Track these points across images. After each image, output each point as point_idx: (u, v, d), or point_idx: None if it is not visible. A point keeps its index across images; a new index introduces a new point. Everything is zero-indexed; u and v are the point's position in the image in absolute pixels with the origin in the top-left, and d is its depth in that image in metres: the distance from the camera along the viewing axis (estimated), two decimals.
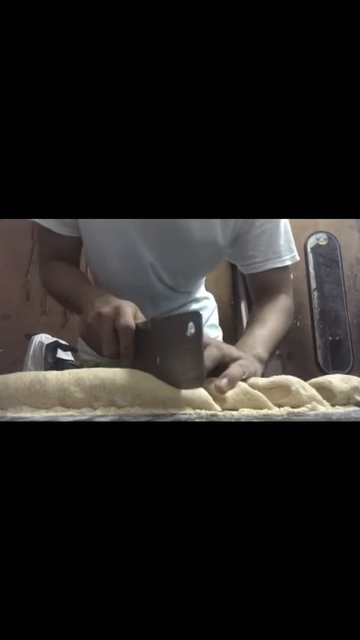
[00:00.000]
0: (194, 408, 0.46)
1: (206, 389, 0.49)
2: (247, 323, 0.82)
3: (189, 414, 0.45)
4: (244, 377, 0.54)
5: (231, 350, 0.57)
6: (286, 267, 0.86)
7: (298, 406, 0.50)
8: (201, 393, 0.47)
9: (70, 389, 0.46)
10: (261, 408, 0.48)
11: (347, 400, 0.54)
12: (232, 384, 0.50)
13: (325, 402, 0.52)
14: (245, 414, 0.46)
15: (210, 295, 1.06)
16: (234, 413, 0.46)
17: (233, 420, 0.41)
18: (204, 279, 1.02)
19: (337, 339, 2.26)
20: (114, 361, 0.57)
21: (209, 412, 0.45)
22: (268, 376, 0.58)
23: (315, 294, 2.38)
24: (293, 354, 2.14)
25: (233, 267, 2.80)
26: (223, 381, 0.49)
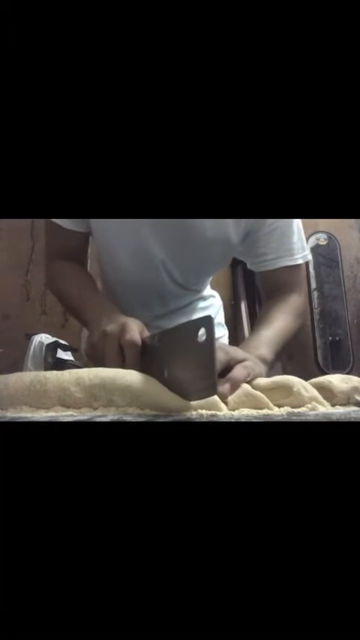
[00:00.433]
0: (199, 409, 0.46)
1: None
2: (256, 322, 0.81)
3: (190, 414, 0.45)
4: (248, 378, 0.54)
5: (236, 352, 0.57)
6: (298, 266, 0.84)
7: (300, 406, 0.50)
8: None
9: (69, 389, 0.46)
10: (262, 409, 0.48)
11: (347, 400, 0.54)
12: (234, 388, 0.50)
13: (325, 402, 0.52)
14: (245, 414, 0.46)
15: (216, 294, 1.06)
16: (234, 413, 0.46)
17: (233, 420, 0.41)
18: (210, 278, 1.02)
19: (337, 339, 2.27)
20: None
21: (210, 412, 0.45)
22: (268, 376, 0.58)
23: (315, 294, 2.38)
24: (293, 354, 2.15)
25: (233, 267, 2.80)
26: (225, 386, 0.49)
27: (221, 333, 1.02)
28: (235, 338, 2.50)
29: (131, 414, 0.44)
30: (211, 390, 0.42)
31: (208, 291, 1.02)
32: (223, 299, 1.10)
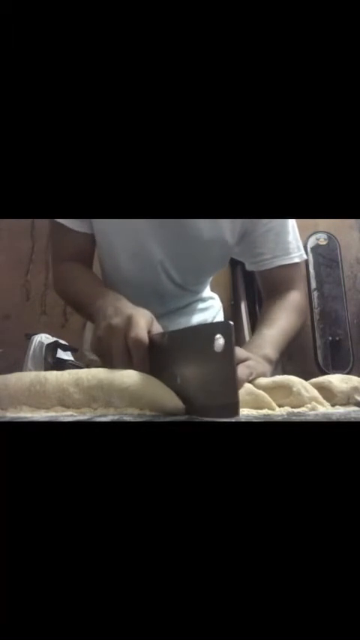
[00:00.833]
0: None
1: None
2: (258, 322, 0.81)
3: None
4: (251, 378, 0.54)
5: (240, 352, 0.57)
6: (295, 264, 0.85)
7: (300, 406, 0.50)
8: None
9: (69, 389, 0.46)
10: (262, 408, 0.48)
11: (347, 400, 0.54)
12: (238, 386, 0.50)
13: (325, 402, 0.52)
14: (245, 414, 0.46)
15: (215, 295, 1.07)
16: None
17: (233, 420, 0.41)
18: (210, 279, 1.02)
19: (337, 339, 2.26)
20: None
21: None
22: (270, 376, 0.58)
23: (315, 294, 2.38)
24: (293, 354, 2.14)
25: (233, 267, 2.80)
26: None
27: None
28: (236, 338, 2.50)
29: (131, 415, 0.44)
30: (234, 411, 0.36)
31: (207, 292, 1.03)
32: (223, 299, 1.10)
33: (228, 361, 0.37)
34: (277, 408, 0.49)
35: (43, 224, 2.43)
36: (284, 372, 0.59)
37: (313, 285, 2.39)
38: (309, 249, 2.42)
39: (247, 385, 0.51)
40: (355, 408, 0.52)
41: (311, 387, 0.52)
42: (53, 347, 2.33)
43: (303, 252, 0.86)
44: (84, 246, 0.83)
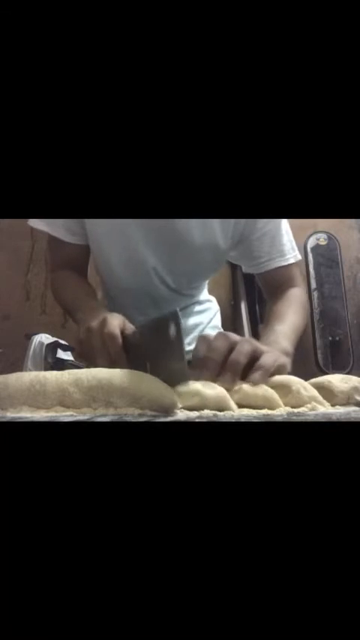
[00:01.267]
0: (211, 408, 0.46)
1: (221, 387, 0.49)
2: (265, 320, 0.83)
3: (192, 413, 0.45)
4: (275, 365, 0.55)
5: (260, 345, 0.58)
6: (291, 265, 0.88)
7: (299, 406, 0.50)
8: (219, 392, 0.48)
9: (69, 389, 0.46)
10: (272, 408, 0.49)
11: (347, 400, 0.54)
12: (265, 375, 0.52)
13: (325, 402, 0.52)
14: (245, 414, 0.46)
15: (212, 298, 1.07)
16: (234, 413, 0.46)
17: (233, 420, 0.41)
18: (206, 282, 1.03)
19: (337, 339, 2.26)
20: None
21: (211, 412, 0.45)
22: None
23: (315, 294, 2.38)
24: (293, 354, 2.14)
25: (233, 267, 2.80)
26: (257, 374, 0.51)
27: None
28: None
29: (131, 414, 0.44)
30: (183, 377, 0.47)
31: (204, 295, 1.03)
32: (223, 299, 1.11)
33: (178, 343, 0.47)
34: (281, 407, 0.49)
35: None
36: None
37: (313, 285, 2.39)
38: (309, 249, 2.42)
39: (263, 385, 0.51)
40: (355, 408, 0.52)
41: (310, 386, 0.52)
42: (53, 347, 2.33)
43: (297, 252, 0.90)
44: (77, 257, 0.89)
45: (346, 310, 2.36)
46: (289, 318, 0.79)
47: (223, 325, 1.08)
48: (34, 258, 2.88)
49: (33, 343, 2.36)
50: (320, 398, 0.51)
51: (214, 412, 0.45)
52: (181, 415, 0.45)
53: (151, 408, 0.46)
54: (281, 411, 0.48)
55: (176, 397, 0.46)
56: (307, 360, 2.21)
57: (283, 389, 0.52)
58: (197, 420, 0.41)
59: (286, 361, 0.63)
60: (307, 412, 0.48)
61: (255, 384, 0.50)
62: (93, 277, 0.94)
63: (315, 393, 0.51)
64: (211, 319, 1.03)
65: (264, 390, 0.50)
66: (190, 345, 0.96)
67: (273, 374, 0.55)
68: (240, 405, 0.49)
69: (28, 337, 2.40)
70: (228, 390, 0.49)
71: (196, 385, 0.48)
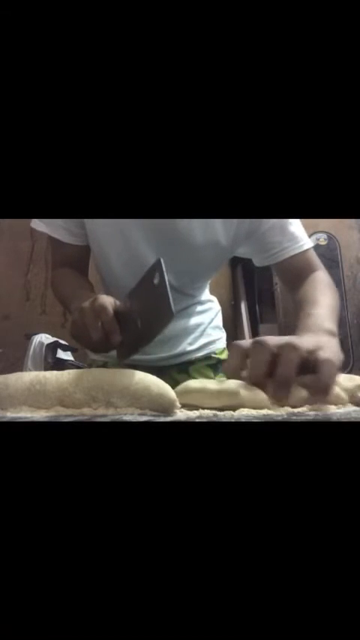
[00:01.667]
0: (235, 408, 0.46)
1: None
2: (298, 308, 0.78)
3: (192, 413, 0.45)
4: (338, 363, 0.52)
5: (306, 342, 0.51)
6: (306, 251, 0.87)
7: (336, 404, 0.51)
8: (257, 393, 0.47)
9: (69, 389, 0.46)
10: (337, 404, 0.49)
11: (351, 399, 0.54)
12: (326, 391, 0.49)
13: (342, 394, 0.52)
14: (245, 414, 0.46)
15: (214, 298, 1.07)
16: (234, 413, 0.46)
17: (233, 420, 0.41)
18: (208, 283, 1.03)
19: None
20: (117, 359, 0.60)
21: (211, 412, 0.45)
22: None
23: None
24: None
25: (233, 267, 2.80)
26: (321, 395, 0.48)
27: (219, 336, 1.02)
28: (235, 339, 2.50)
29: (131, 415, 0.44)
30: (170, 315, 0.49)
31: (206, 295, 1.03)
32: (223, 299, 1.10)
33: (162, 287, 0.50)
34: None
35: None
36: None
37: None
38: None
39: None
40: (356, 408, 0.52)
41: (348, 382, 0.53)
42: (53, 347, 2.34)
43: (309, 239, 0.89)
44: (77, 256, 0.90)
45: (346, 310, 2.36)
46: (322, 300, 0.75)
47: (224, 325, 1.08)
48: (34, 258, 2.88)
49: (33, 343, 2.36)
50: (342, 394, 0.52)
51: (214, 412, 0.45)
52: (181, 415, 0.45)
53: (151, 408, 0.46)
54: (281, 411, 0.48)
55: (200, 395, 0.46)
56: None
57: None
58: (197, 420, 0.41)
59: (337, 351, 0.57)
60: (307, 412, 0.48)
61: (324, 401, 0.47)
62: (93, 276, 0.94)
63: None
64: (213, 319, 1.03)
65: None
66: (191, 345, 0.96)
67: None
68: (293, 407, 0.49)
69: (28, 337, 2.40)
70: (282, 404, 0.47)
71: (232, 384, 0.48)
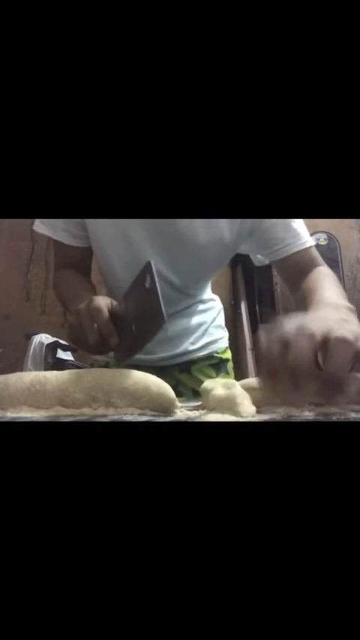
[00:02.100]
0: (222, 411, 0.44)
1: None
2: (303, 298, 0.75)
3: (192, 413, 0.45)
4: None
5: (331, 328, 0.42)
6: (309, 248, 0.87)
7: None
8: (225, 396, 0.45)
9: (69, 389, 0.46)
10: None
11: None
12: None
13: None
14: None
15: (216, 297, 1.07)
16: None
17: (233, 420, 0.41)
18: (210, 282, 1.02)
19: None
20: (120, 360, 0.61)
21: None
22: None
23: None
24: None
25: (233, 267, 2.80)
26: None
27: (221, 335, 1.02)
28: (236, 338, 2.51)
29: (131, 415, 0.44)
30: (161, 320, 0.49)
31: (208, 294, 1.03)
32: (223, 299, 1.10)
33: (153, 290, 0.50)
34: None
35: None
36: None
37: None
38: None
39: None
40: (356, 408, 0.52)
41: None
42: (53, 347, 2.33)
43: (311, 238, 0.89)
44: (79, 258, 0.90)
45: None
46: (328, 287, 0.72)
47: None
48: (34, 258, 2.88)
49: (33, 343, 2.36)
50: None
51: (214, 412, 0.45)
52: (181, 415, 0.45)
53: (151, 408, 0.46)
54: (280, 411, 0.48)
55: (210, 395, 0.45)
56: None
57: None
58: (197, 420, 0.41)
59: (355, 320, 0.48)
60: (306, 412, 0.48)
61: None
62: (97, 277, 0.94)
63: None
64: (215, 318, 1.03)
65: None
66: (193, 344, 0.96)
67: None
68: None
69: (28, 337, 2.40)
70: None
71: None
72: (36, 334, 2.40)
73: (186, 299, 0.93)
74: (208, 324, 1.00)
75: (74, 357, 2.43)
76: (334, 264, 2.46)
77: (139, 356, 0.95)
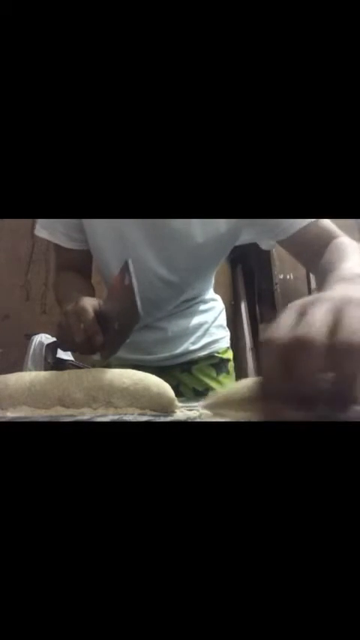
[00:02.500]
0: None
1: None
2: (320, 281, 0.64)
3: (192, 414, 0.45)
4: None
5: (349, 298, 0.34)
6: (317, 221, 0.78)
7: None
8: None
9: (69, 389, 0.46)
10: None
11: None
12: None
13: None
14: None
15: (217, 297, 1.07)
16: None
17: (233, 421, 0.41)
18: (212, 281, 1.02)
19: None
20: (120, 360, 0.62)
21: (211, 412, 0.45)
22: None
23: (315, 293, 2.38)
24: None
25: (233, 267, 2.80)
26: None
27: (222, 335, 1.02)
28: (236, 338, 2.51)
29: (131, 415, 0.44)
30: (137, 316, 0.50)
31: (210, 294, 1.03)
32: (223, 299, 1.10)
33: (130, 286, 0.51)
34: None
35: None
36: None
37: (313, 285, 2.40)
38: None
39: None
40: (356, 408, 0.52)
41: None
42: (53, 347, 2.33)
43: None
44: (79, 260, 0.91)
45: None
46: (349, 259, 0.61)
47: None
48: (34, 258, 2.88)
49: (33, 343, 2.36)
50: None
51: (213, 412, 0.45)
52: (181, 415, 0.45)
53: (151, 408, 0.46)
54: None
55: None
56: None
57: None
58: (197, 420, 0.41)
59: None
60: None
61: None
62: (96, 277, 0.95)
63: None
64: (216, 318, 1.02)
65: None
66: (194, 344, 0.96)
67: None
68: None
69: (28, 337, 2.40)
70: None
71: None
72: (36, 334, 2.40)
73: (186, 298, 0.93)
74: (209, 323, 1.00)
75: (74, 357, 2.43)
76: None
77: (140, 356, 0.95)
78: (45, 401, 0.46)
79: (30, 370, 2.04)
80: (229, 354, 1.03)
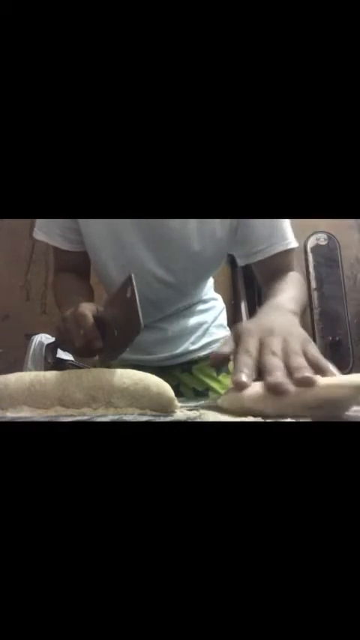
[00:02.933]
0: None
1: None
2: (263, 300, 0.80)
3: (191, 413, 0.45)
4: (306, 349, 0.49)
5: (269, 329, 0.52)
6: (291, 250, 0.86)
7: None
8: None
9: (69, 389, 0.46)
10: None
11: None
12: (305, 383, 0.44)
13: None
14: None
15: (218, 297, 1.07)
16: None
17: (233, 421, 0.41)
18: (211, 281, 1.02)
19: (337, 339, 2.27)
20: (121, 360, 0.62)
21: (211, 412, 0.45)
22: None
23: (315, 294, 2.38)
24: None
25: (233, 267, 2.80)
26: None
27: (222, 334, 1.02)
28: None
29: (131, 415, 0.44)
30: (139, 327, 0.51)
31: (210, 294, 1.03)
32: (223, 299, 1.10)
33: (133, 299, 0.52)
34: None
35: None
36: None
37: (313, 285, 2.40)
38: (309, 249, 2.42)
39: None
40: (356, 408, 0.52)
41: None
42: (53, 347, 2.33)
43: (294, 239, 0.88)
44: (77, 262, 0.92)
45: (346, 310, 2.36)
46: (289, 290, 0.77)
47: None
48: (34, 258, 2.88)
49: (33, 343, 2.36)
50: None
51: (214, 412, 0.45)
52: (181, 415, 0.45)
53: (151, 408, 0.46)
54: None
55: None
56: None
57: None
58: (197, 420, 0.41)
59: (305, 338, 0.53)
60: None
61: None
62: (95, 277, 0.95)
63: None
64: (216, 317, 1.02)
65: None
66: (194, 344, 0.96)
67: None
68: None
69: (28, 337, 2.40)
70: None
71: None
72: (36, 334, 2.39)
73: (185, 298, 0.93)
74: (209, 323, 0.99)
75: (74, 357, 2.43)
76: (334, 264, 2.46)
77: (140, 356, 0.95)
78: (45, 401, 0.46)
79: (30, 370, 2.04)
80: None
